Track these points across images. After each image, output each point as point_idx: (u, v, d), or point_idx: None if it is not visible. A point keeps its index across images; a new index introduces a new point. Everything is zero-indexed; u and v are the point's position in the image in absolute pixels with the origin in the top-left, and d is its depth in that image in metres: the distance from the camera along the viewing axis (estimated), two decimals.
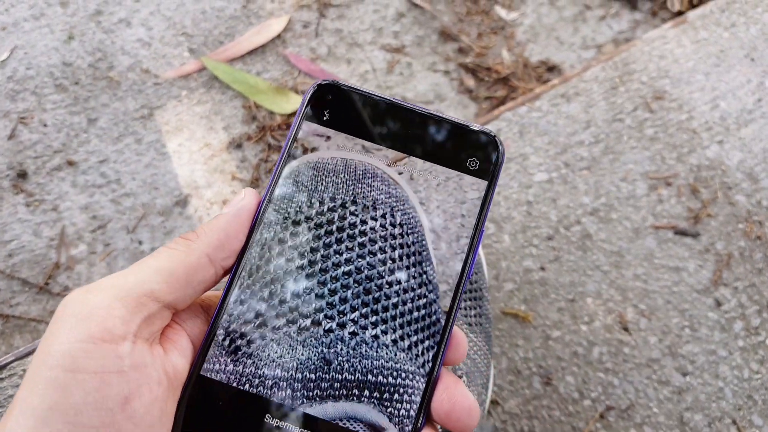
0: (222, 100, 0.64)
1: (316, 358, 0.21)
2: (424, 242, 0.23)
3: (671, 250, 0.50)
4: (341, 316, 0.22)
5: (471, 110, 0.69)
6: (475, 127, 0.23)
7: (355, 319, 0.21)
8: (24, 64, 0.66)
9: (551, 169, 0.52)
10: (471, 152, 0.23)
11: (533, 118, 0.53)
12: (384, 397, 0.21)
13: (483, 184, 0.22)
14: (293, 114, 0.65)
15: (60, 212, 0.60)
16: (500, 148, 0.22)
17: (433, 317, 0.22)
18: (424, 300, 0.22)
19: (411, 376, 0.21)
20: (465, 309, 0.38)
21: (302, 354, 0.21)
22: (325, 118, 0.23)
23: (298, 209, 0.23)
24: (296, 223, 0.23)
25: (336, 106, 0.23)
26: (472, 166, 0.23)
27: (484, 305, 0.40)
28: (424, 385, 0.20)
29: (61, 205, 0.60)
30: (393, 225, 0.23)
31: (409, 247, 0.23)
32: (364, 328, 0.21)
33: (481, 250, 0.43)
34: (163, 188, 0.61)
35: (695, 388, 0.46)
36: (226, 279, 0.22)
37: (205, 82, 0.65)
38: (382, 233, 0.23)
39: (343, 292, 0.22)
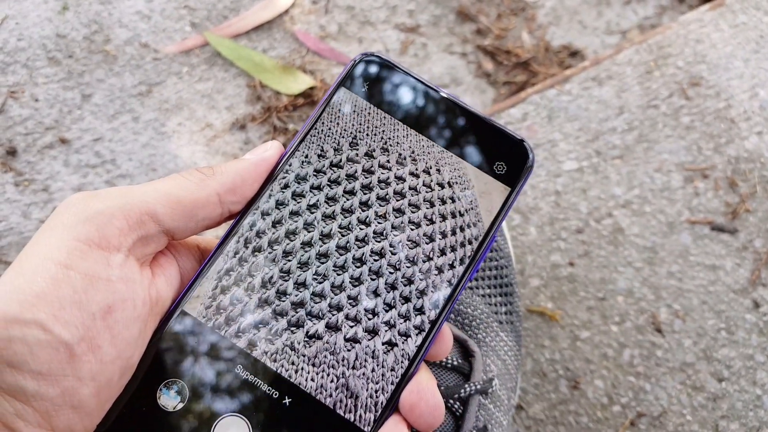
0: (225, 78, 0.61)
1: (305, 336, 0.21)
2: (479, 211, 0.22)
3: (707, 246, 0.47)
4: (353, 318, 0.21)
5: (489, 95, 0.65)
6: (511, 132, 0.23)
7: (374, 326, 0.21)
8: (15, 35, 0.63)
9: (581, 158, 0.49)
10: (501, 156, 0.23)
11: (563, 101, 0.50)
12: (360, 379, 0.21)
13: (505, 190, 0.23)
14: (300, 95, 0.61)
15: (51, 193, 0.56)
16: (530, 159, 0.23)
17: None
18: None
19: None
20: (495, 305, 0.35)
21: (289, 328, 0.21)
22: (363, 90, 0.24)
23: (317, 167, 0.23)
24: (313, 183, 0.23)
25: (377, 81, 0.24)
26: (498, 170, 0.23)
27: (514, 301, 0.36)
28: (401, 372, 0.21)
29: (52, 186, 0.57)
30: (440, 185, 0.22)
31: (461, 216, 0.22)
32: (375, 332, 0.21)
33: (510, 243, 0.39)
34: (161, 170, 0.57)
35: (731, 395, 0.43)
36: (229, 223, 0.22)
37: (208, 58, 0.62)
38: (427, 195, 0.22)
39: (360, 281, 0.22)
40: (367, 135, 0.23)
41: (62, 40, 0.62)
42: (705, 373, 0.44)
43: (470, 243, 0.22)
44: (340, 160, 0.23)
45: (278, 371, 0.20)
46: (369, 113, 0.24)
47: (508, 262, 0.37)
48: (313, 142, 0.23)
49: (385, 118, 0.23)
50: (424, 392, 0.20)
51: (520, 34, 0.68)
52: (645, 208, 0.48)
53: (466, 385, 0.31)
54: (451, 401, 0.31)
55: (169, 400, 0.20)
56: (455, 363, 0.32)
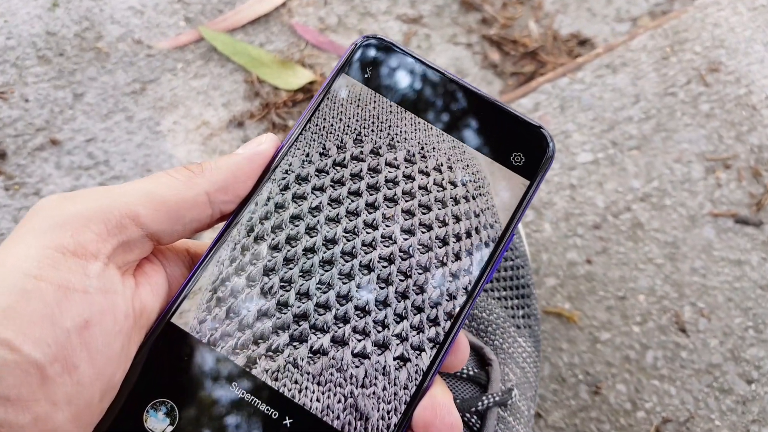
0: (221, 74, 0.59)
1: (307, 351, 0.19)
2: (495, 209, 0.21)
3: (732, 240, 0.45)
4: (361, 331, 0.20)
5: (496, 87, 0.63)
6: (528, 119, 0.22)
7: (384, 340, 0.20)
8: (4, 33, 0.61)
9: (597, 149, 0.47)
10: (518, 146, 0.21)
11: (575, 90, 0.48)
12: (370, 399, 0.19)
13: (523, 183, 0.21)
14: (300, 90, 0.59)
15: (43, 196, 0.54)
16: (550, 148, 0.21)
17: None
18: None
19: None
20: (512, 309, 0.33)
21: (290, 341, 0.20)
22: (365, 76, 0.22)
23: (318, 166, 0.21)
24: (313, 181, 0.21)
25: (381, 65, 0.22)
26: (516, 162, 0.21)
27: (532, 304, 0.34)
28: (415, 388, 0.19)
29: (43, 189, 0.55)
30: (453, 183, 0.21)
31: (477, 217, 0.21)
32: (386, 346, 0.20)
33: (525, 241, 0.37)
34: (156, 170, 0.55)
35: (762, 398, 0.41)
36: (221, 225, 0.21)
37: (203, 54, 0.60)
38: (438, 194, 0.21)
39: (368, 290, 0.20)
40: (372, 126, 0.22)
41: (52, 38, 0.60)
42: (733, 375, 0.42)
43: (486, 245, 0.21)
44: (344, 159, 0.22)
45: (280, 391, 0.19)
46: (372, 102, 0.22)
47: (524, 261, 0.35)
48: (312, 137, 0.22)
49: (390, 106, 0.22)
50: (440, 409, 0.19)
51: (527, 23, 0.66)
52: (665, 201, 0.46)
53: (484, 397, 0.29)
54: (468, 415, 0.29)
55: (158, 422, 0.19)
56: (471, 373, 0.30)
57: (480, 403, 0.29)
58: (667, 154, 0.48)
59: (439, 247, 0.21)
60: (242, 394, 0.19)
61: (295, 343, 0.19)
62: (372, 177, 0.21)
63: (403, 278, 0.20)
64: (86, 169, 0.56)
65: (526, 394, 0.32)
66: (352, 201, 0.21)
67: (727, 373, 0.42)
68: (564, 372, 0.41)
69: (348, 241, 0.21)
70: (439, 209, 0.21)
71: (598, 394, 0.41)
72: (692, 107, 0.49)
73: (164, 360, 0.19)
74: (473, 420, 0.29)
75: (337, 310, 0.20)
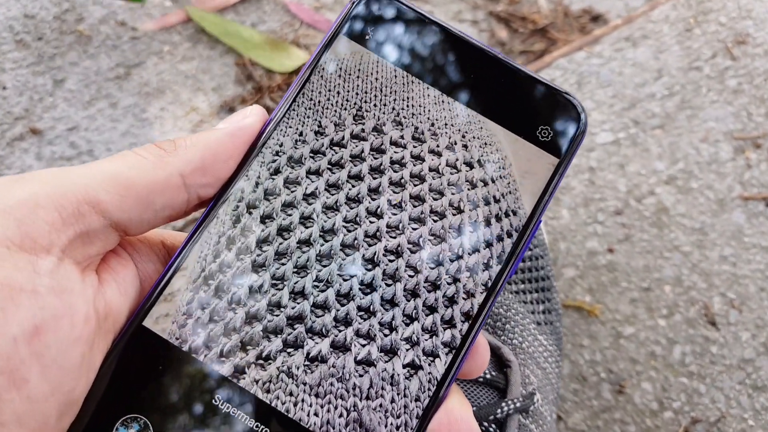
0: (211, 57, 0.57)
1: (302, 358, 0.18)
2: (518, 194, 0.19)
3: (764, 225, 0.43)
4: (365, 335, 0.18)
5: None
6: (557, 88, 0.19)
7: (392, 344, 0.18)
8: None
9: (617, 129, 0.45)
10: (545, 119, 0.19)
11: (593, 65, 0.46)
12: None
13: (551, 162, 0.19)
14: (295, 72, 0.56)
15: None
16: (582, 120, 0.19)
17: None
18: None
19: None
20: (531, 303, 0.30)
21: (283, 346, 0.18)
22: (366, 38, 0.20)
23: (314, 146, 0.19)
24: (308, 163, 0.19)
25: (385, 26, 0.20)
26: (542, 136, 0.19)
27: (552, 297, 0.32)
28: (428, 400, 0.18)
29: None
30: (469, 164, 0.19)
31: (498, 202, 0.19)
32: (394, 351, 0.18)
33: (543, 228, 0.34)
34: None
35: None
36: (201, 213, 0.19)
37: (191, 35, 0.58)
38: (452, 177, 0.19)
39: (373, 288, 0.18)
40: (375, 99, 0.20)
41: (31, 21, 0.59)
42: (767, 371, 0.40)
43: (509, 235, 0.19)
44: (343, 137, 0.20)
45: (272, 404, 0.17)
46: (375, 69, 0.20)
47: (543, 251, 0.32)
48: (306, 112, 0.20)
49: (396, 74, 0.20)
50: (457, 424, 0.17)
51: None
52: (691, 183, 0.44)
53: (503, 404, 0.27)
54: (486, 424, 0.27)
55: None
56: (488, 376, 0.28)
57: (499, 411, 0.27)
58: (692, 133, 0.45)
59: (454, 238, 0.19)
60: (227, 408, 0.17)
61: (289, 350, 0.18)
62: (375, 158, 0.19)
63: (412, 274, 0.18)
64: (68, 159, 0.53)
65: (548, 397, 0.30)
66: (353, 186, 0.19)
67: (761, 368, 0.40)
68: (585, 370, 0.40)
69: (349, 231, 0.19)
70: (453, 194, 0.19)
71: (621, 394, 0.39)
72: (719, 82, 0.47)
73: (136, 370, 0.17)
74: (492, 429, 0.26)
75: (338, 311, 0.18)
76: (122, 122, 0.54)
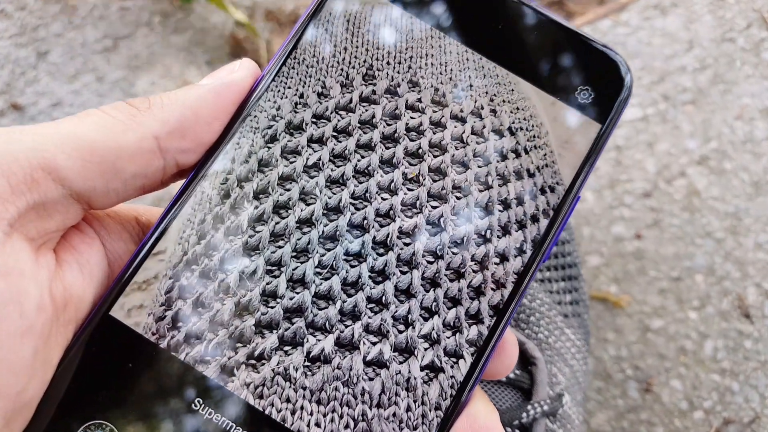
0: (205, 28, 0.56)
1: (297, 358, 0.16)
2: (555, 167, 0.18)
3: None
4: (375, 331, 0.16)
5: None
6: (599, 45, 0.18)
7: (408, 343, 0.16)
8: None
9: (646, 104, 0.44)
10: (585, 79, 0.18)
11: (620, 35, 0.46)
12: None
13: (593, 127, 0.18)
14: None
15: None
16: (627, 80, 0.18)
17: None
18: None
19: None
20: (558, 293, 0.28)
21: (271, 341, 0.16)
22: None
23: (317, 110, 0.18)
24: (310, 130, 0.17)
25: None
26: (582, 98, 0.18)
27: (580, 287, 0.30)
28: (449, 407, 0.16)
29: None
30: (498, 132, 0.18)
31: (532, 177, 0.17)
32: (410, 351, 0.17)
33: None
34: None
35: None
36: (179, 184, 0.17)
37: (183, 5, 0.57)
38: (478, 147, 0.18)
39: (385, 276, 0.17)
40: (387, 56, 0.18)
41: None
42: None
43: (545, 214, 0.17)
44: (350, 100, 0.18)
45: (265, 412, 0.16)
46: (388, 20, 0.18)
47: (570, 235, 0.30)
48: (308, 71, 0.18)
49: (412, 26, 0.18)
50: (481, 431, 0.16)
51: None
52: (725, 164, 0.43)
53: (529, 406, 0.25)
54: (509, 429, 0.25)
55: None
56: (511, 375, 0.26)
57: (524, 414, 0.25)
58: (726, 110, 0.44)
59: (481, 218, 0.17)
60: (211, 416, 0.16)
61: (286, 348, 0.16)
62: (388, 125, 0.18)
63: (432, 260, 0.17)
64: None
65: (576, 398, 0.27)
66: (362, 157, 0.18)
67: None
68: (610, 367, 0.39)
69: (357, 209, 0.17)
70: (479, 167, 0.17)
71: (649, 392, 0.38)
72: (754, 55, 0.45)
73: (102, 368, 0.16)
74: None
75: (343, 302, 0.17)
76: (109, 97, 0.53)
